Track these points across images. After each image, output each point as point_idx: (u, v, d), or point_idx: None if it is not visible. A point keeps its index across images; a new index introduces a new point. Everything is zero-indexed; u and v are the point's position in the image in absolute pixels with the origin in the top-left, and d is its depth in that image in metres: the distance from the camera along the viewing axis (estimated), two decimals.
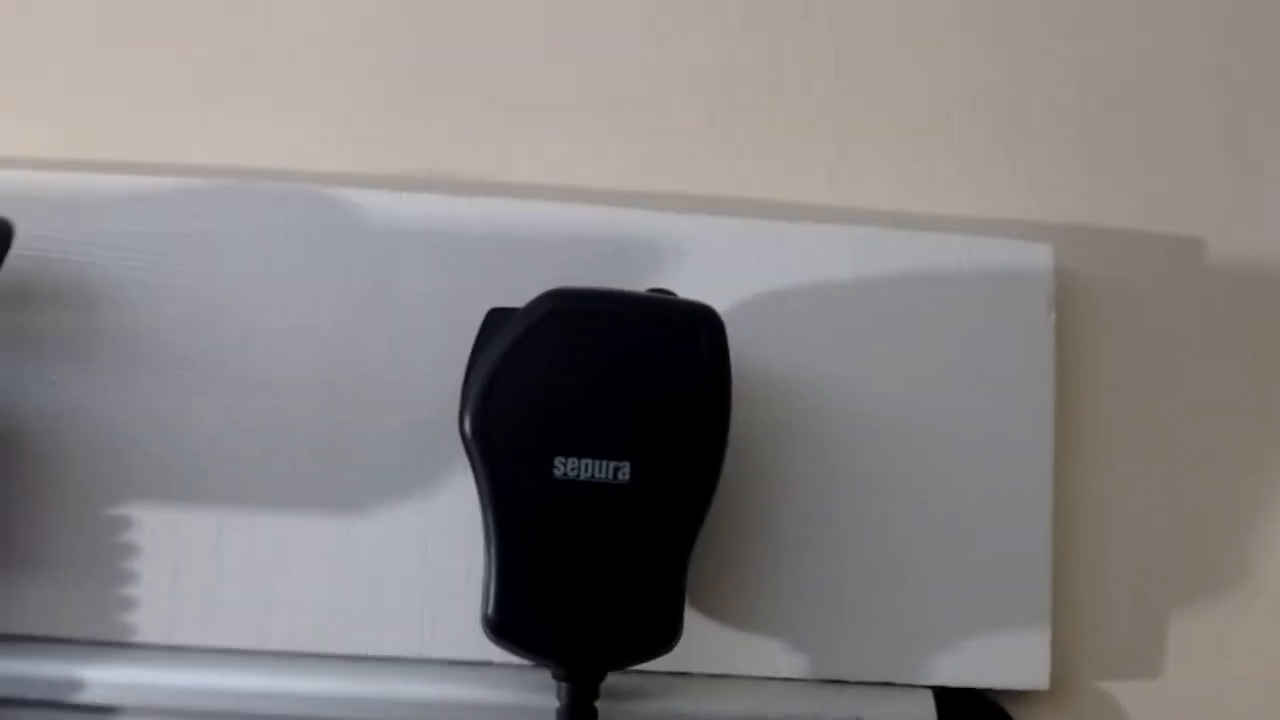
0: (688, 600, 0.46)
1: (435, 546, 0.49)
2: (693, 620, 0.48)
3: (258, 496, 0.50)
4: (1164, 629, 0.53)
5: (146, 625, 0.49)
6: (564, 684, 0.45)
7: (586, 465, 0.43)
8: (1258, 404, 0.55)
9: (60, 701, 0.48)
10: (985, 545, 0.51)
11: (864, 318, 0.52)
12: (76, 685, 0.48)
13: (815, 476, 0.51)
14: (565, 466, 0.43)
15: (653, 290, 0.47)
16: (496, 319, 0.45)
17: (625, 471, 0.43)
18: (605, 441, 0.43)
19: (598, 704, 0.46)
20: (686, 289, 0.47)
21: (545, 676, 0.46)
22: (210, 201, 0.51)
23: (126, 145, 0.54)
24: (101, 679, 0.48)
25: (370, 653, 0.49)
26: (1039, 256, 0.53)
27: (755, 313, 0.51)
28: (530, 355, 0.44)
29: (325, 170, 0.54)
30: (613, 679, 0.46)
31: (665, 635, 0.44)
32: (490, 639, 0.44)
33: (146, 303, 0.50)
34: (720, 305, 0.46)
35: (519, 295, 0.46)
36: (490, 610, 0.43)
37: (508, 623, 0.43)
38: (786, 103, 0.56)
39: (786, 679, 0.50)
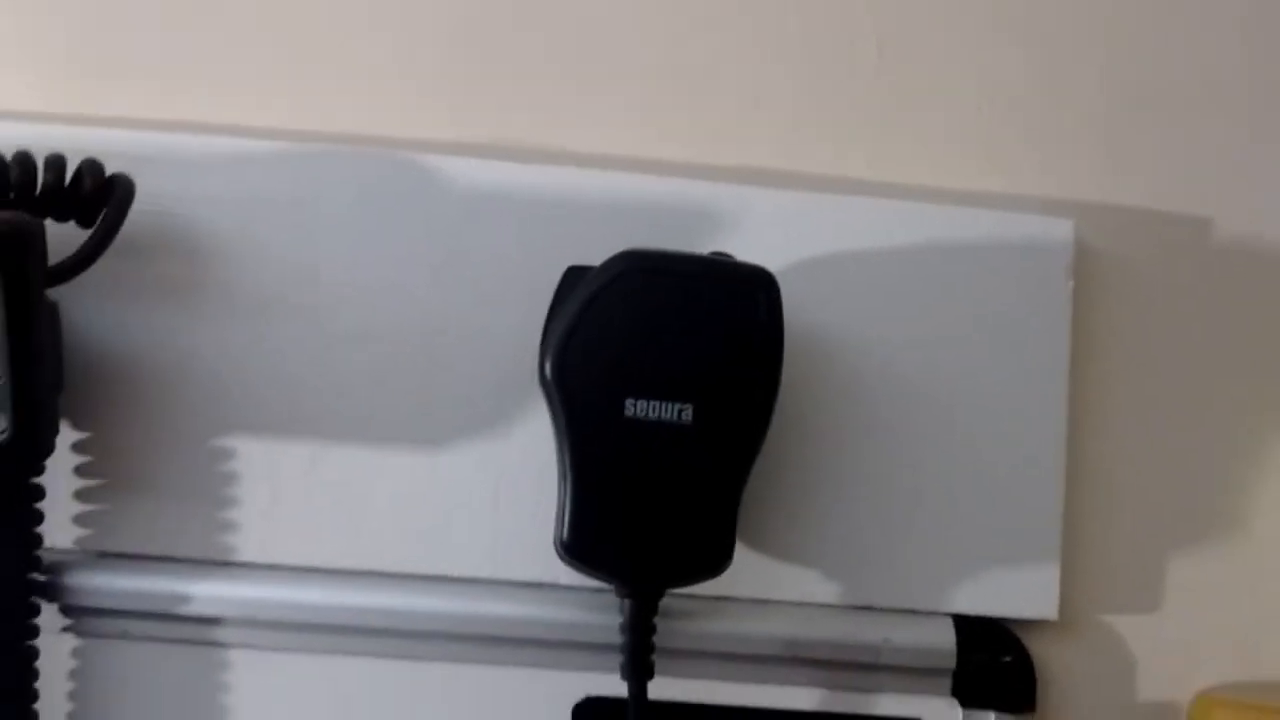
0: (738, 531, 0.52)
1: (508, 480, 0.55)
2: (739, 550, 0.52)
3: (348, 432, 0.55)
4: (1164, 568, 0.59)
5: (246, 545, 0.54)
6: (627, 600, 0.50)
7: (654, 406, 0.48)
8: (1255, 369, 0.60)
9: (168, 613, 0.53)
10: (1003, 488, 0.56)
11: (899, 283, 0.57)
12: (183, 599, 0.53)
13: (852, 425, 0.56)
14: (635, 407, 0.48)
15: (714, 253, 0.52)
16: (574, 276, 0.51)
17: (689, 413, 0.48)
18: (672, 386, 0.48)
19: (658, 627, 0.51)
20: (738, 254, 0.52)
21: (606, 597, 0.52)
22: (306, 165, 0.56)
23: (232, 111, 0.58)
24: (205, 593, 0.53)
25: (449, 573, 0.54)
26: (1060, 231, 0.58)
27: (799, 277, 0.56)
28: (605, 308, 0.49)
29: (411, 138, 0.58)
30: (667, 601, 0.51)
31: (718, 559, 0.50)
32: (563, 559, 0.50)
33: (247, 257, 0.55)
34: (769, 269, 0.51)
35: (587, 257, 0.51)
36: (564, 534, 0.49)
37: (580, 545, 0.49)
38: (832, 85, 0.60)
39: (822, 604, 0.55)
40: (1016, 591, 0.56)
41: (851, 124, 0.61)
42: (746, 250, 0.52)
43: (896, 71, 0.61)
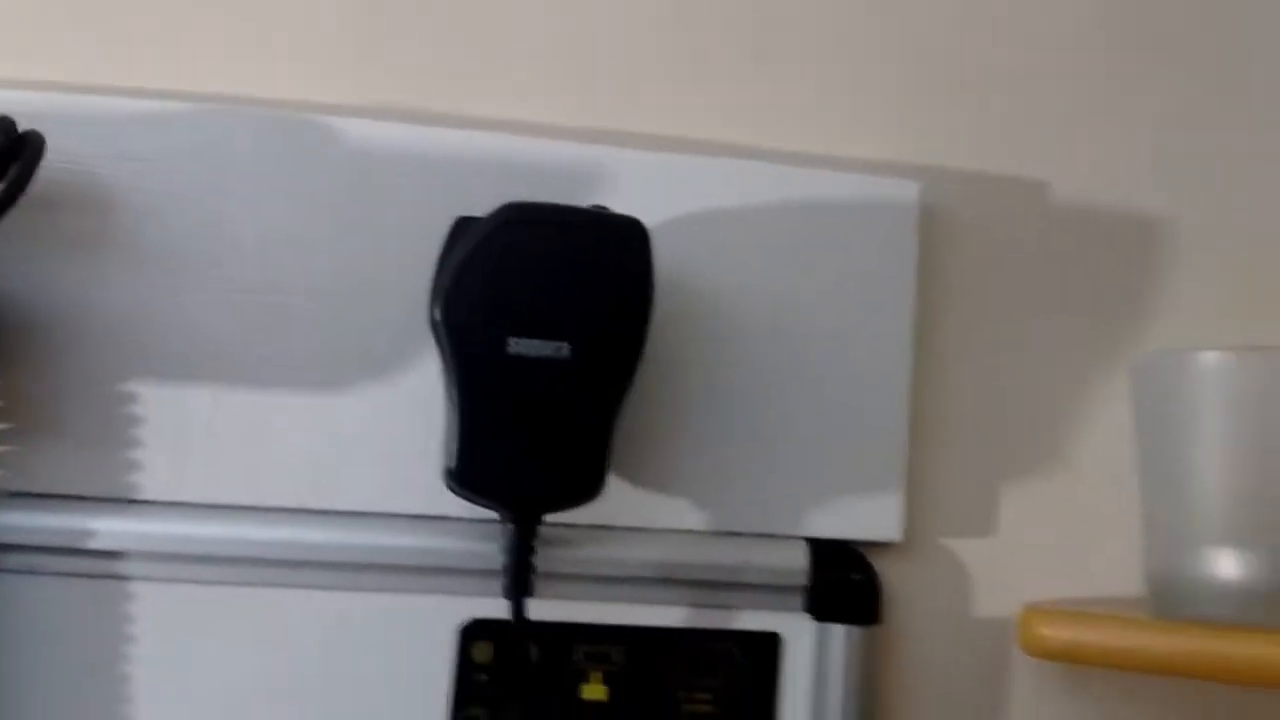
0: (612, 466, 0.57)
1: (399, 420, 0.59)
2: (615, 482, 0.59)
3: (249, 376, 0.59)
4: (998, 496, 0.66)
5: (150, 484, 0.58)
6: (509, 525, 0.55)
7: (534, 344, 0.53)
8: (1084, 318, 0.68)
9: (74, 548, 0.57)
10: (854, 425, 0.63)
11: (763, 237, 0.63)
12: (89, 535, 0.57)
13: (718, 368, 0.62)
14: (517, 345, 0.53)
15: (593, 206, 0.57)
16: (462, 226, 0.55)
17: (566, 349, 0.53)
18: (551, 325, 0.53)
19: (538, 551, 0.56)
20: (616, 209, 0.57)
21: (490, 527, 0.57)
22: (213, 125, 0.60)
23: (143, 73, 0.62)
24: (109, 529, 0.57)
25: (345, 508, 0.59)
26: (907, 192, 0.64)
27: (673, 231, 0.62)
28: (491, 255, 0.53)
29: (312, 100, 0.63)
30: (549, 530, 0.57)
31: (592, 486, 0.55)
32: (450, 487, 0.54)
33: (155, 211, 0.59)
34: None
35: (476, 214, 0.55)
36: (452, 463, 0.54)
37: (466, 473, 0.54)
38: (705, 56, 0.67)
39: (689, 531, 0.61)
40: (865, 517, 0.63)
41: (723, 93, 0.67)
42: (624, 208, 0.57)
43: (765, 44, 0.67)
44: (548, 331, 0.54)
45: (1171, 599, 0.57)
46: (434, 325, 0.54)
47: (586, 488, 0.55)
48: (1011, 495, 0.66)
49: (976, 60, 0.69)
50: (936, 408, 0.66)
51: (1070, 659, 0.57)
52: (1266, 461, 0.55)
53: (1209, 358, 0.56)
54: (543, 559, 0.57)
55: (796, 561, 0.61)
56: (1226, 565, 0.55)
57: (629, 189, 0.62)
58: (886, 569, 0.64)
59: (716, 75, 0.67)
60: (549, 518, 0.56)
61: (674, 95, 0.67)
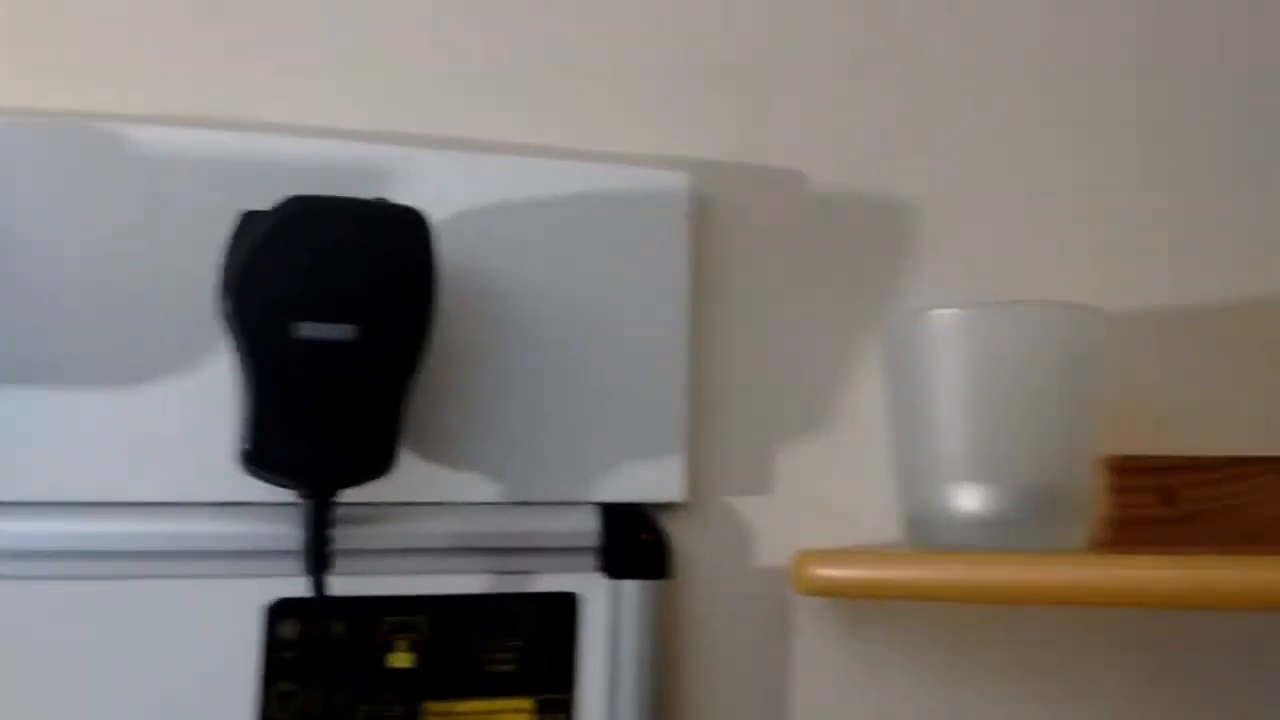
0: (411, 443, 0.60)
1: (195, 412, 0.61)
2: (411, 460, 0.62)
3: (47, 375, 0.60)
4: (774, 458, 0.71)
5: None
6: (306, 501, 0.57)
7: (322, 327, 0.55)
8: (841, 288, 0.73)
9: None
10: (637, 397, 0.67)
11: (545, 228, 0.67)
12: None
13: (508, 350, 0.65)
14: (305, 329, 0.55)
15: (375, 199, 0.59)
16: (248, 219, 0.57)
17: (352, 332, 0.56)
18: (337, 309, 0.56)
19: (338, 529, 0.58)
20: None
21: (289, 510, 0.59)
22: (5, 136, 0.61)
23: None
24: None
25: (147, 499, 0.61)
26: (678, 183, 0.69)
27: (459, 224, 0.65)
28: (278, 244, 0.56)
29: (99, 109, 0.65)
30: (348, 510, 0.59)
31: (384, 462, 0.57)
32: (245, 469, 0.56)
33: None
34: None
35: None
36: (246, 445, 0.56)
37: (260, 454, 0.56)
38: (482, 60, 0.70)
39: (484, 503, 0.64)
40: (651, 481, 0.67)
41: (501, 93, 0.70)
42: (409, 203, 0.59)
43: (541, 46, 0.71)
44: (334, 315, 0.56)
45: (922, 532, 0.62)
46: (223, 312, 0.56)
47: (378, 464, 0.58)
48: (785, 455, 0.71)
49: (740, 61, 0.74)
50: (713, 378, 0.71)
51: (836, 593, 0.60)
52: (996, 404, 0.60)
53: (943, 314, 0.61)
54: (344, 536, 0.59)
55: (588, 525, 0.65)
56: (967, 499, 0.60)
57: (410, 187, 0.65)
58: (674, 528, 0.68)
59: (494, 76, 0.71)
60: (347, 495, 0.58)
61: (453, 96, 0.70)
